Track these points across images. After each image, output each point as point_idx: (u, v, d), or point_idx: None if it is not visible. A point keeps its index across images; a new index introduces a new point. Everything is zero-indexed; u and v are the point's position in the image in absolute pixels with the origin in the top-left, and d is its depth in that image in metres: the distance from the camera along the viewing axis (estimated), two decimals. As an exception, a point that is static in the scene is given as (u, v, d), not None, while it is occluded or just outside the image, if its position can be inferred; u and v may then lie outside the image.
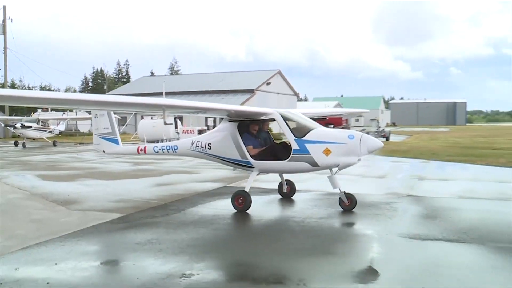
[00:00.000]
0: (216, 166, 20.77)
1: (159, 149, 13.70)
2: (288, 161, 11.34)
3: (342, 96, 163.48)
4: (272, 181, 16.74)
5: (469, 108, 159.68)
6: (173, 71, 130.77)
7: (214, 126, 55.77)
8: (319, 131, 11.46)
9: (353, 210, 11.25)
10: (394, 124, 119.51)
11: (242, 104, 61.84)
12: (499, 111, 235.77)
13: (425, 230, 9.61)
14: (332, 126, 52.24)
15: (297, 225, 9.96)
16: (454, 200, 12.97)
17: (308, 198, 13.28)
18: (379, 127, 55.26)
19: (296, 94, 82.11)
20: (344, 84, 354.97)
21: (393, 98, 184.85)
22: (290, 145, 11.40)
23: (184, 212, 11.44)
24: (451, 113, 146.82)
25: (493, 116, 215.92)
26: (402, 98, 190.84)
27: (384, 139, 41.89)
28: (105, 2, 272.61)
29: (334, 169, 11.32)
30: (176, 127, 42.81)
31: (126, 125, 63.18)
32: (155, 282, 6.61)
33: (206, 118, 60.38)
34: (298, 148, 11.19)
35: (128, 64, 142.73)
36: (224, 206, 12.10)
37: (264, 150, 12.04)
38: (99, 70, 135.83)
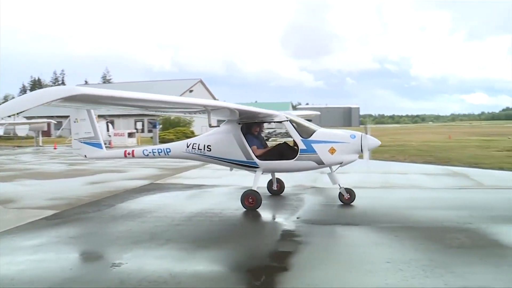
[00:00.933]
0: (143, 165, 20.40)
1: (150, 152, 12.30)
2: (295, 160, 10.82)
3: (256, 101, 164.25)
4: (194, 177, 16.67)
5: (361, 112, 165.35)
6: (106, 80, 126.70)
7: (142, 130, 54.70)
8: (323, 132, 11.12)
9: (267, 201, 11.38)
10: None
11: (167, 109, 60.71)
12: (384, 115, 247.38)
13: (325, 216, 9.92)
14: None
15: (215, 216, 9.94)
16: (348, 190, 13.37)
17: (225, 192, 13.29)
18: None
19: (216, 100, 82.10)
20: (258, 91, 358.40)
21: (299, 104, 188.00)
22: (294, 145, 11.06)
23: (114, 207, 11.11)
24: (348, 117, 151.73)
25: (380, 119, 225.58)
26: (307, 104, 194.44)
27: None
28: (42, 15, 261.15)
29: (334, 167, 11.12)
30: (108, 130, 41.61)
31: (62, 129, 60.70)
32: (87, 271, 6.39)
33: (136, 122, 59.18)
34: (305, 148, 10.74)
35: (64, 74, 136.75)
36: (150, 201, 11.90)
37: (270, 151, 11.38)
38: (36, 79, 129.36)
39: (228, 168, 12.15)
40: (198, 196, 12.75)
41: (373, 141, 11.09)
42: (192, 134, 51.41)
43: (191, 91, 69.06)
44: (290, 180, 14.72)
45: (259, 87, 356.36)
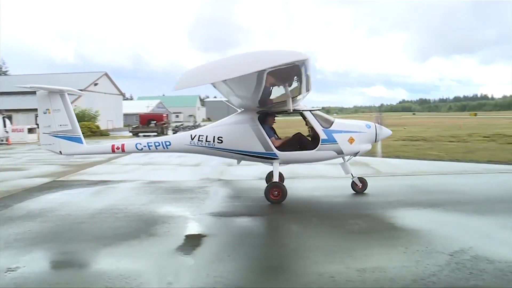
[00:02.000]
0: (45, 162, 19.30)
1: (144, 146, 11.15)
2: (316, 150, 10.65)
3: (163, 95, 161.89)
4: (99, 173, 16.07)
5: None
6: (2, 72, 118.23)
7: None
8: (342, 122, 11.13)
9: (169, 195, 11.27)
10: (209, 119, 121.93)
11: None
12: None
13: (231, 208, 9.95)
14: (154, 122, 51.72)
15: (121, 212, 9.64)
16: (255, 181, 13.56)
17: (131, 187, 12.93)
18: (196, 122, 56.11)
19: (121, 94, 79.81)
20: (166, 85, 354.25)
21: (207, 97, 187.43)
22: (313, 135, 10.98)
23: (11, 208, 10.40)
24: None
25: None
26: (215, 97, 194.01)
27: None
28: None
29: (346, 157, 11.24)
30: (5, 126, 38.97)
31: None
32: (-21, 278, 5.93)
33: (36, 116, 55.87)
34: (326, 138, 10.63)
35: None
36: (52, 200, 11.29)
37: (290, 141, 11.03)
38: None
39: (236, 160, 11.61)
40: (103, 192, 12.30)
41: (386, 131, 11.41)
42: (97, 129, 49.65)
43: (95, 84, 66.50)
44: (196, 174, 14.72)
45: (166, 80, 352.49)
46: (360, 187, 11.44)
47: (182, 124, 47.57)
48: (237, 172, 15.32)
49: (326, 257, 6.41)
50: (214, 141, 10.89)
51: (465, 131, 36.38)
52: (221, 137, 10.87)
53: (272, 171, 11.55)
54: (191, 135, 11.08)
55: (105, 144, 11.86)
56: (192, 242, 7.41)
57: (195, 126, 46.42)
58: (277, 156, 10.74)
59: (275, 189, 10.32)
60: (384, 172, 15.14)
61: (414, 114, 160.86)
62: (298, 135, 11.24)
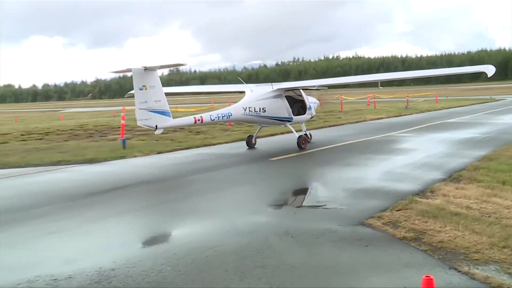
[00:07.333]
0: None
1: (215, 117, 13.08)
2: (306, 115, 15.61)
3: None
4: None
5: None
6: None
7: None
8: (311, 97, 16.26)
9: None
10: None
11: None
12: None
13: None
14: None
15: None
16: None
17: None
18: None
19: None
20: None
21: None
22: (302, 105, 15.60)
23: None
24: None
25: None
26: None
27: None
28: None
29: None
30: None
31: None
32: None
33: None
34: (309, 106, 15.66)
35: None
36: None
37: (294, 109, 15.23)
38: None
39: (259, 125, 15.45)
40: None
41: (318, 103, 17.41)
42: None
43: None
44: None
45: None
46: (310, 139, 16.20)
47: None
48: None
49: None
50: (260, 111, 14.11)
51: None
52: (265, 108, 14.23)
53: (251, 135, 16.19)
54: (243, 107, 13.92)
55: (187, 117, 13.01)
56: None
57: None
58: (292, 120, 15.02)
59: (303, 140, 14.73)
60: None
61: None
62: (298, 105, 15.71)
